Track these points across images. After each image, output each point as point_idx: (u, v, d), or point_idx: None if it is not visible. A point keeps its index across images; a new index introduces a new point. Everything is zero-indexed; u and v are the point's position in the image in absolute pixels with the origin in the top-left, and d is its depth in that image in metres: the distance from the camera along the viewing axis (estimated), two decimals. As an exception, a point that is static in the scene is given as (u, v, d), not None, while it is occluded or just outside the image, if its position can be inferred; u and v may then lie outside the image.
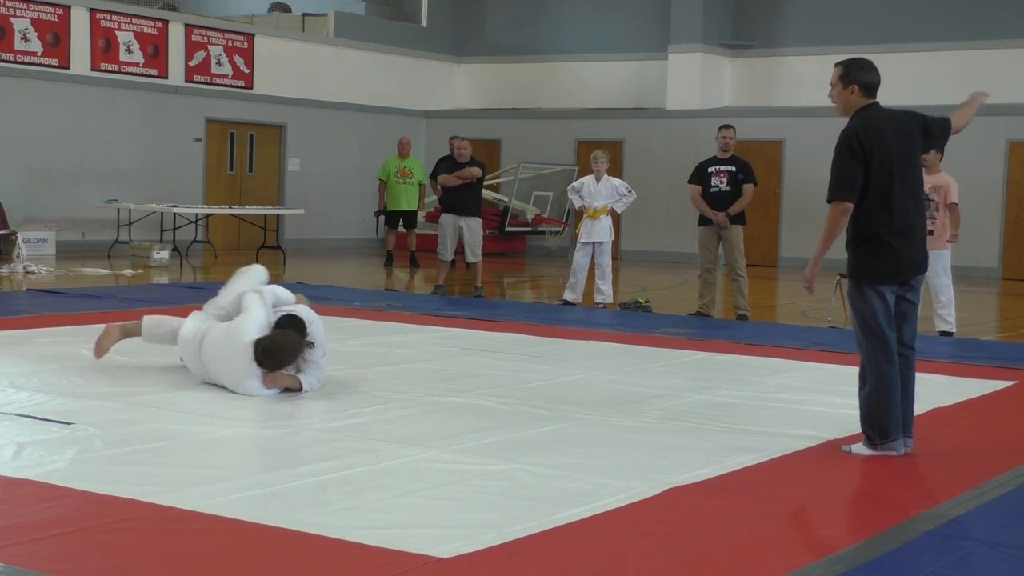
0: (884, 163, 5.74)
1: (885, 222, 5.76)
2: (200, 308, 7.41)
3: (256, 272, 7.51)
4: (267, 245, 19.27)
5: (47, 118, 18.19)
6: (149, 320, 7.62)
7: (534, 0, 23.39)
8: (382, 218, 19.28)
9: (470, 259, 13.68)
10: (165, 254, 16.88)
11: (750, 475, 5.41)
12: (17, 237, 16.43)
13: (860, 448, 5.84)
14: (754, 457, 5.70)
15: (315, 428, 6.07)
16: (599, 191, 12.74)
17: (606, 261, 12.68)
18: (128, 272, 15.47)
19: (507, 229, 21.45)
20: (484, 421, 6.33)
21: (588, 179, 12.87)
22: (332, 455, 5.45)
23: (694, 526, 4.64)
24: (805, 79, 20.17)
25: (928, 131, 5.97)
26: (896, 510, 4.89)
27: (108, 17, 18.90)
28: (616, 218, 13.16)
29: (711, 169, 12.00)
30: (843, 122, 5.96)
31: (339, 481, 5.00)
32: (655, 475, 5.25)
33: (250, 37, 21.00)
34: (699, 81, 21.22)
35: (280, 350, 6.74)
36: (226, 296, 7.30)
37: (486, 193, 17.74)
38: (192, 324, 7.19)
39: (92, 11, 18.70)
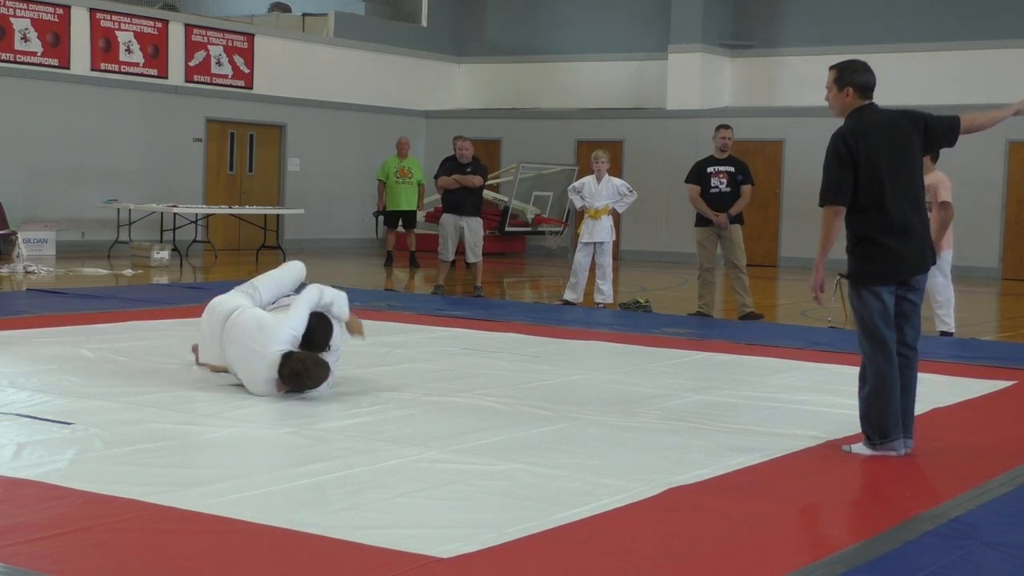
0: (873, 164, 5.72)
1: (879, 223, 5.74)
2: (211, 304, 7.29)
3: (296, 268, 7.49)
4: (267, 245, 19.26)
5: (47, 118, 18.19)
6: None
7: (534, 0, 23.38)
8: (381, 218, 19.29)
9: (471, 259, 13.68)
10: (165, 254, 16.87)
11: (750, 475, 5.41)
12: (17, 237, 16.42)
13: (860, 448, 5.84)
14: (754, 457, 5.70)
15: (315, 428, 6.07)
16: (600, 191, 12.73)
17: (607, 261, 12.67)
18: (128, 272, 15.46)
19: (507, 229, 21.45)
20: (484, 421, 6.32)
21: (589, 179, 12.85)
22: (332, 455, 5.45)
23: (694, 526, 4.64)
24: (805, 79, 20.13)
25: (929, 130, 5.91)
26: (896, 510, 4.89)
27: (108, 17, 18.90)
28: (616, 218, 13.15)
29: (710, 169, 11.99)
30: (842, 123, 5.96)
31: (339, 481, 5.00)
32: (655, 475, 5.25)
33: (250, 37, 21.00)
34: (699, 81, 21.21)
35: (308, 379, 6.64)
36: (266, 286, 7.21)
37: (486, 193, 17.72)
38: (230, 296, 7.10)
39: (92, 11, 18.70)
